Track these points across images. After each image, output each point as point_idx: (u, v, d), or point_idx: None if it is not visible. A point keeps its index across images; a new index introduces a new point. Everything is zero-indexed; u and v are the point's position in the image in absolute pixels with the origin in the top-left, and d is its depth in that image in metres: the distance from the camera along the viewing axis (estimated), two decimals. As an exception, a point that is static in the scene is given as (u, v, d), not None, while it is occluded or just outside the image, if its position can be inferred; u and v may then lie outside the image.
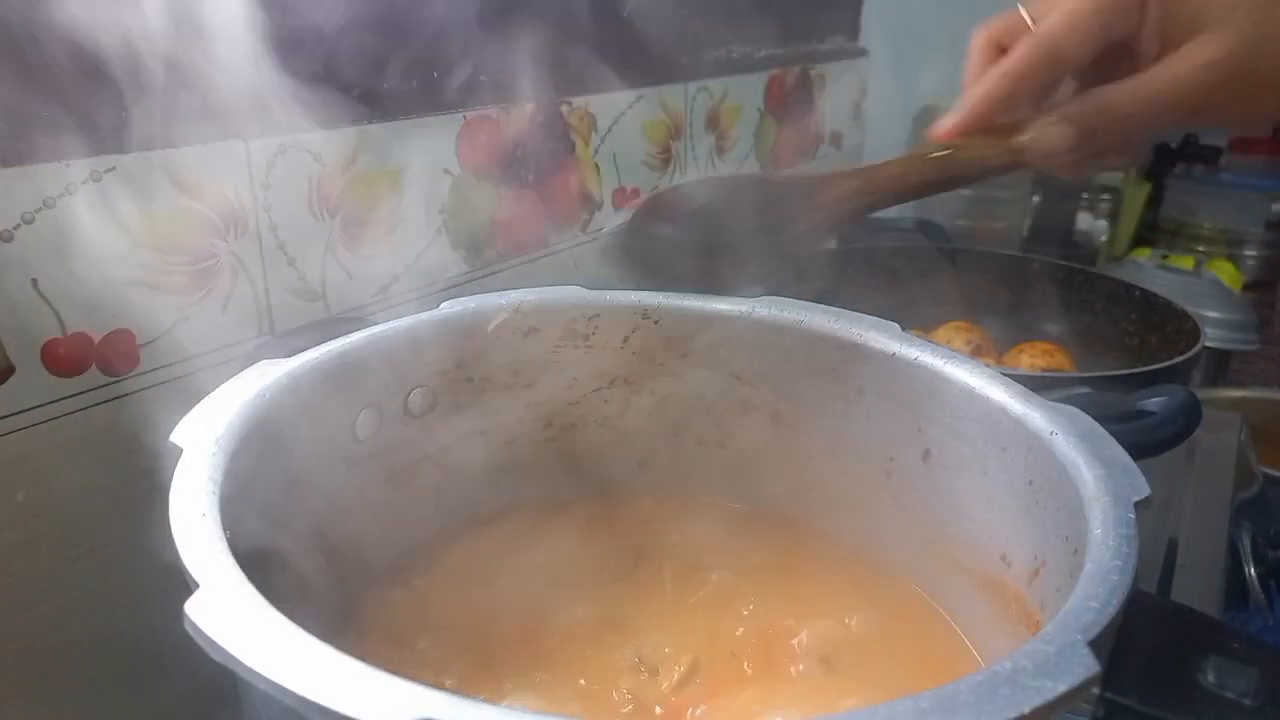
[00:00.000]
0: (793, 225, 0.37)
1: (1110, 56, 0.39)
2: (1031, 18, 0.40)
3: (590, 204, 0.73)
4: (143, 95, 0.42)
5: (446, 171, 0.60)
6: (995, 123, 0.40)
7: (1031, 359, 0.76)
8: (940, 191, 0.43)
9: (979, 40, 0.43)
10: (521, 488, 0.48)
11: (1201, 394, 0.49)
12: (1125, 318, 0.82)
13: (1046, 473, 0.34)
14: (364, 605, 0.41)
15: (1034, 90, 0.39)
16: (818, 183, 0.39)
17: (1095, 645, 0.24)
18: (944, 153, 0.41)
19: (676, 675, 0.37)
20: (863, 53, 1.12)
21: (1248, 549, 0.78)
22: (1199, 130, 1.88)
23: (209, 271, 0.47)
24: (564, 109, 0.68)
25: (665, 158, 0.80)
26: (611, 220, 0.75)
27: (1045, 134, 0.39)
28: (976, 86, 0.40)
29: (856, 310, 0.44)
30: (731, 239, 0.38)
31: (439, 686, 0.21)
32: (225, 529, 0.28)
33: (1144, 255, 1.44)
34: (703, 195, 0.41)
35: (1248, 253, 1.57)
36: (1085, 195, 1.53)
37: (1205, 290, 1.21)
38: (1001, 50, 0.41)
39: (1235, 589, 0.77)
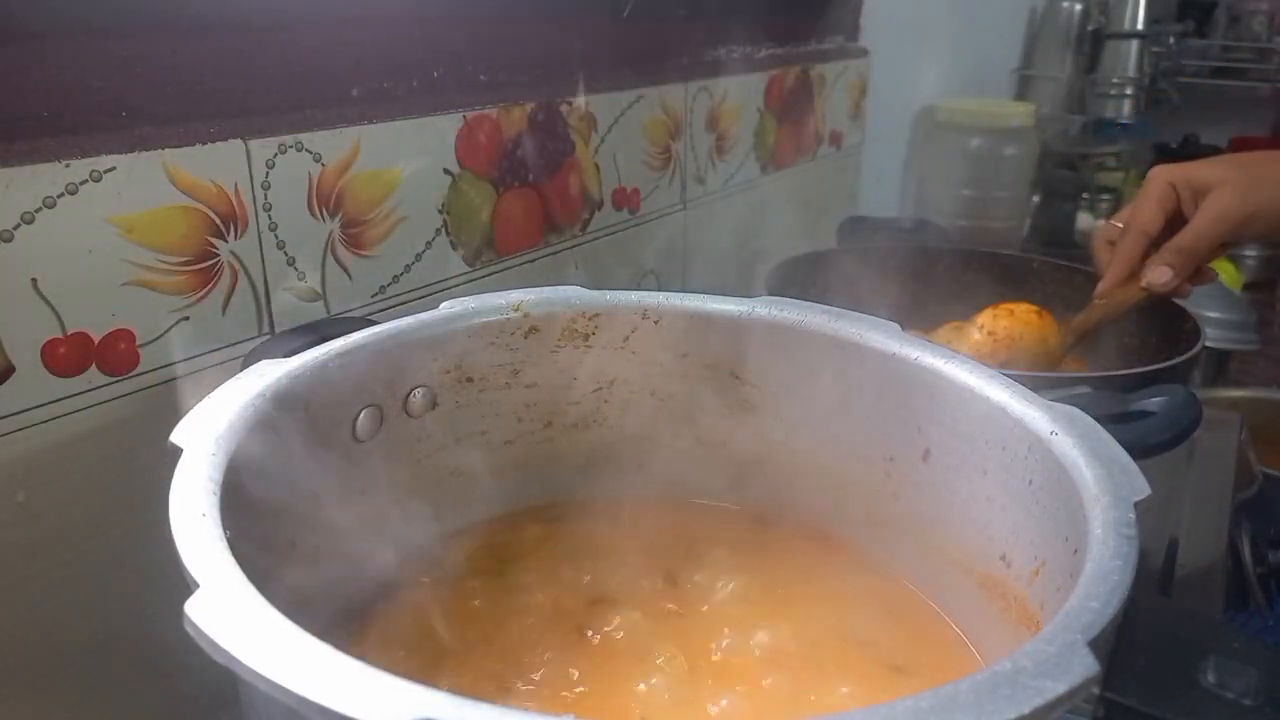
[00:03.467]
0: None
1: (1170, 223, 0.69)
2: (1122, 221, 0.72)
3: (590, 204, 0.73)
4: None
5: (446, 171, 0.60)
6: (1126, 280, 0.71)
7: (1010, 324, 0.73)
8: (1103, 327, 0.75)
9: (1099, 240, 0.75)
10: (522, 488, 0.48)
11: (1201, 394, 0.49)
12: (1125, 317, 0.81)
13: (1046, 473, 0.34)
14: (365, 606, 0.41)
15: (1139, 256, 0.71)
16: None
17: (1095, 645, 0.24)
18: (1104, 301, 0.73)
19: (679, 676, 0.37)
20: (863, 53, 1.12)
21: (1248, 549, 0.78)
22: (1199, 128, 1.89)
23: (209, 271, 0.47)
24: (564, 108, 0.68)
25: (665, 158, 0.80)
26: (611, 220, 0.75)
27: (1154, 274, 0.69)
28: (1112, 268, 0.71)
29: (856, 310, 0.44)
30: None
31: (440, 687, 0.21)
32: (225, 529, 0.28)
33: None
34: None
35: (1247, 253, 1.57)
36: (1085, 196, 1.53)
37: (1205, 290, 1.21)
38: (1111, 243, 0.73)
39: (1235, 589, 0.77)
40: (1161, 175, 0.70)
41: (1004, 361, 0.71)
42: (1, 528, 0.41)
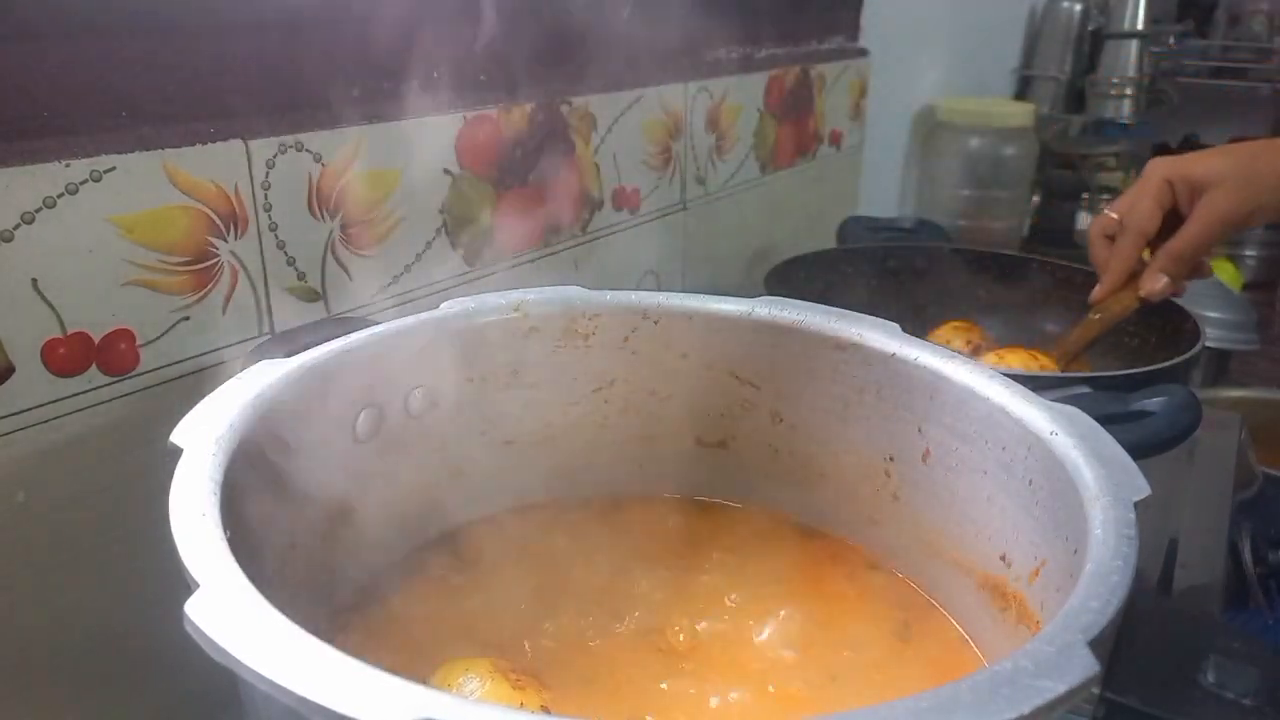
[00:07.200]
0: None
1: (1168, 220, 0.69)
2: (1118, 215, 0.71)
3: (590, 204, 0.73)
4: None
5: (446, 171, 0.60)
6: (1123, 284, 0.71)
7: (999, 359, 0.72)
8: (1100, 337, 0.74)
9: (1095, 232, 0.73)
10: (521, 488, 0.48)
11: (1201, 394, 0.49)
12: (1125, 317, 0.81)
13: (1047, 473, 0.34)
14: (364, 606, 0.41)
15: (1136, 257, 0.70)
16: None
17: (1095, 645, 0.24)
18: (1099, 315, 0.73)
19: (679, 674, 0.37)
20: (863, 53, 1.12)
21: (1248, 549, 0.78)
22: (1199, 129, 1.89)
23: (209, 271, 0.47)
24: (564, 108, 0.68)
25: (665, 157, 0.80)
26: (611, 220, 0.75)
27: (1151, 284, 0.70)
28: (1109, 268, 0.71)
29: (856, 310, 0.44)
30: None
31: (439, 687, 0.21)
32: (225, 529, 0.28)
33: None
34: None
35: (1248, 253, 1.57)
36: (1085, 195, 1.53)
37: (1205, 290, 1.21)
38: (1109, 237, 0.72)
39: (1235, 589, 0.77)
40: (1159, 171, 0.69)
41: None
42: (1, 528, 0.41)
